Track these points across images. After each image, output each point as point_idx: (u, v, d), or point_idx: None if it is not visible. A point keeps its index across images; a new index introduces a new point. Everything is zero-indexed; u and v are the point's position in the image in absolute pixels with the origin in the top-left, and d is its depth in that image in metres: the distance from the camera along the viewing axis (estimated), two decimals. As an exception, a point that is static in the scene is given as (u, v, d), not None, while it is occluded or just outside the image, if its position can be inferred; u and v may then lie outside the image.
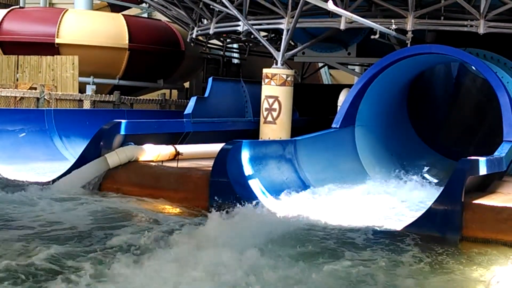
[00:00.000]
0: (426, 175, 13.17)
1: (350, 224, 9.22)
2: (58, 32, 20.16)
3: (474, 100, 15.25)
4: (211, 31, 16.28)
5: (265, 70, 14.05)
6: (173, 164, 11.72)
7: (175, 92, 24.85)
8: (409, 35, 13.20)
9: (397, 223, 9.27)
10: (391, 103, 13.69)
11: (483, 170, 9.39)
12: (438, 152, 14.30)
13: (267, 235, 8.33)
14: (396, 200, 10.99)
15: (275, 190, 10.49)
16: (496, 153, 10.58)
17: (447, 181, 9.14)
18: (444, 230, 8.76)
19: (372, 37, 13.16)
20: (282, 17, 14.28)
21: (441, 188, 9.42)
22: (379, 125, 13.16)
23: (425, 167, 13.43)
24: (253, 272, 6.77)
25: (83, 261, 6.99)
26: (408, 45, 13.04)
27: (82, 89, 19.29)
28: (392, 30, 12.97)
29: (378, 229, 9.07)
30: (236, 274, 6.70)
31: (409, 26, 13.15)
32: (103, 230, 8.61)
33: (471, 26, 12.94)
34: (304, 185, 11.13)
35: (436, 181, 12.76)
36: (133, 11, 26.29)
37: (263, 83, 14.01)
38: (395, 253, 7.95)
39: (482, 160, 9.40)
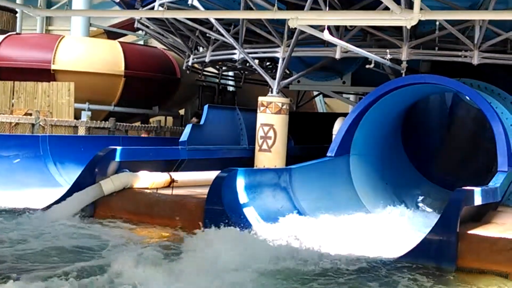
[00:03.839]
0: (421, 204, 13.15)
1: (345, 253, 9.18)
2: (54, 58, 20.23)
3: (468, 130, 15.31)
4: (207, 59, 16.37)
5: (260, 98, 14.10)
6: (168, 192, 11.69)
7: (170, 119, 24.89)
8: (404, 65, 13.30)
9: (392, 253, 9.23)
10: (386, 132, 13.72)
11: (478, 201, 9.39)
12: (432, 182, 14.31)
13: (259, 261, 8.29)
14: (390, 229, 10.95)
15: (270, 218, 10.45)
16: (490, 183, 10.60)
17: (443, 211, 9.13)
18: (440, 260, 8.72)
19: (367, 66, 13.23)
20: (278, 46, 14.39)
21: (436, 218, 9.41)
22: (374, 154, 13.17)
23: (419, 196, 13.41)
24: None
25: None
26: (403, 75, 13.12)
27: (77, 115, 19.30)
28: (387, 60, 13.06)
29: (373, 258, 9.03)
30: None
31: (403, 56, 13.26)
32: (96, 255, 8.56)
33: (465, 56, 13.05)
34: (299, 214, 11.08)
35: (430, 210, 12.73)
36: (130, 38, 26.43)
37: (258, 111, 14.04)
38: (389, 283, 7.91)
39: (477, 190, 9.40)
